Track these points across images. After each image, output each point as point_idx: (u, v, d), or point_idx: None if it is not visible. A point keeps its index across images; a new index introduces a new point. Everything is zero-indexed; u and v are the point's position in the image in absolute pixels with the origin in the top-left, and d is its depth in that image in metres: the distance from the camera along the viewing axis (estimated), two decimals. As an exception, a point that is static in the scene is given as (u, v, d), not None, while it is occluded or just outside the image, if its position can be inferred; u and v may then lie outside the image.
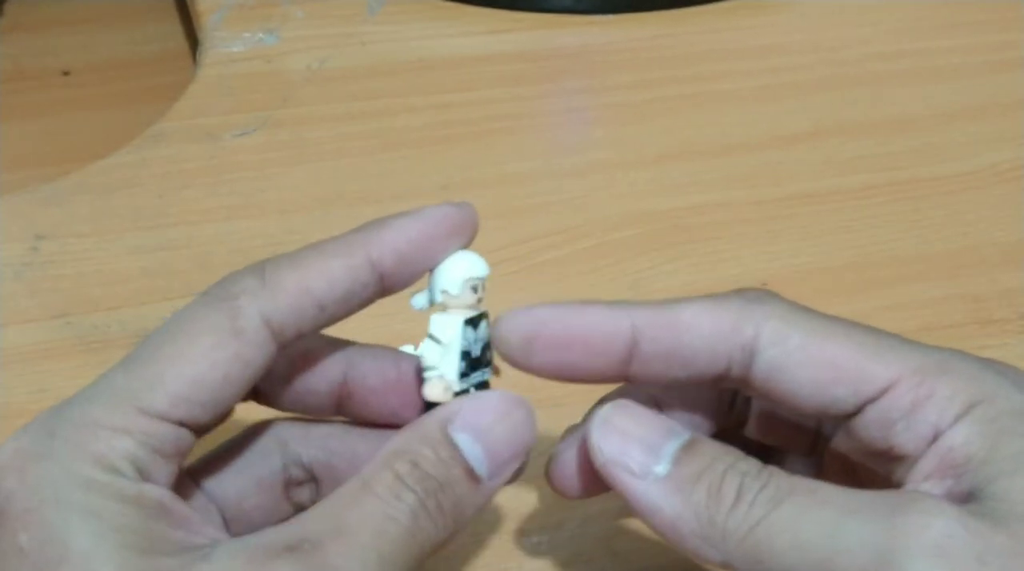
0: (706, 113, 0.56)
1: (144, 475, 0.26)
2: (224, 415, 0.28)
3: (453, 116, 0.55)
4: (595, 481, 0.29)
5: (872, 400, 0.27)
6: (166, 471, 0.27)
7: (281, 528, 0.26)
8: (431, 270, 0.30)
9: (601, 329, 0.28)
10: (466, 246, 0.30)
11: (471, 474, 0.28)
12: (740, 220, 0.50)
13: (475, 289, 0.30)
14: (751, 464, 0.27)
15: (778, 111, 0.57)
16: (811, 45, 0.61)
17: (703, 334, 0.28)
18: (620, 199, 0.51)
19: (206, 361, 0.27)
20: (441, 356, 0.30)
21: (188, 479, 0.30)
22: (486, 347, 0.30)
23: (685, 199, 0.51)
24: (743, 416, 0.33)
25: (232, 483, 0.31)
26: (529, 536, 0.37)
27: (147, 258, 0.47)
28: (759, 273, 0.47)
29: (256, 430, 0.32)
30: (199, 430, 0.28)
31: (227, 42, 0.59)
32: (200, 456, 0.32)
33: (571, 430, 0.32)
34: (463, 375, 0.30)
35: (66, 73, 0.64)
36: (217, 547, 0.26)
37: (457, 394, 0.30)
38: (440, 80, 0.58)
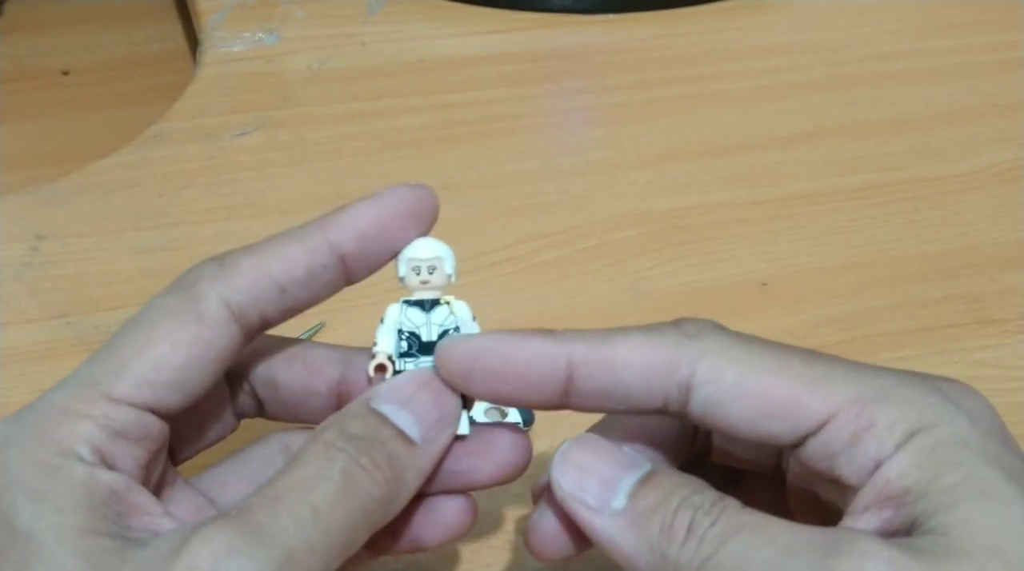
0: (706, 113, 0.56)
1: (105, 458, 0.27)
2: (192, 399, 0.28)
3: (453, 116, 0.55)
4: (581, 538, 0.29)
5: (812, 433, 0.27)
6: (131, 455, 0.27)
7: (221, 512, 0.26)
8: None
9: (536, 365, 0.28)
10: (427, 230, 0.31)
11: (403, 435, 0.28)
12: (740, 220, 0.50)
13: (417, 271, 0.30)
14: (705, 497, 0.27)
15: (778, 111, 0.57)
16: (811, 45, 0.61)
17: (637, 373, 0.28)
18: (620, 199, 0.51)
19: (167, 344, 0.27)
20: (383, 335, 0.30)
21: (184, 484, 0.31)
22: (446, 333, 0.31)
23: (685, 199, 0.51)
24: (708, 443, 0.33)
25: (232, 488, 0.31)
26: (529, 536, 0.37)
27: (147, 258, 0.47)
28: (759, 273, 0.47)
29: (262, 438, 0.33)
30: (167, 416, 0.28)
31: (227, 42, 0.59)
32: (207, 466, 0.32)
33: (542, 495, 0.32)
34: (406, 355, 0.30)
35: (66, 73, 0.64)
36: (157, 535, 0.26)
37: (399, 373, 0.30)
38: (440, 80, 0.58)
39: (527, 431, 0.39)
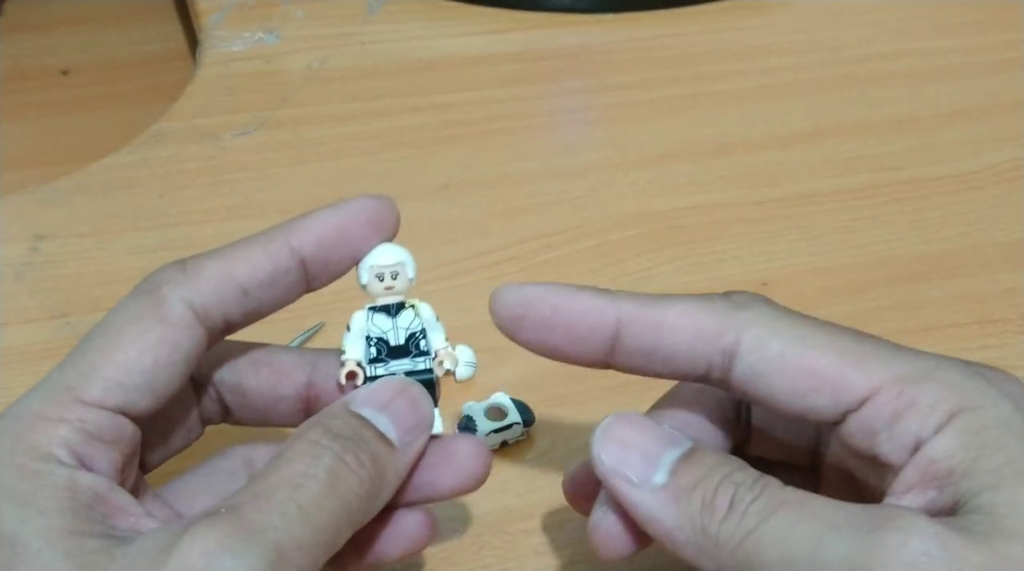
0: (706, 113, 0.56)
1: (84, 461, 0.27)
2: (161, 401, 0.29)
3: (453, 116, 0.55)
4: (642, 535, 0.29)
5: (853, 409, 0.27)
6: (107, 458, 0.28)
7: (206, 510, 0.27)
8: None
9: (586, 318, 0.29)
10: (389, 238, 0.31)
11: (383, 437, 0.29)
12: (740, 220, 0.50)
13: (380, 278, 0.31)
14: (747, 475, 0.27)
15: (778, 111, 0.57)
16: (811, 45, 0.61)
17: (684, 336, 0.28)
18: (620, 199, 0.51)
19: (134, 347, 0.28)
20: (350, 343, 0.31)
21: (154, 496, 0.31)
22: (413, 337, 0.31)
23: (685, 199, 0.51)
24: (748, 433, 0.33)
25: (198, 502, 0.32)
26: (529, 536, 0.37)
27: (147, 258, 0.47)
28: (759, 273, 0.47)
29: (223, 452, 0.33)
30: (138, 418, 0.28)
31: (227, 42, 0.59)
32: (170, 479, 0.32)
33: (574, 484, 0.32)
34: (375, 360, 0.31)
35: (66, 73, 0.64)
36: (142, 533, 0.26)
37: (369, 379, 0.31)
38: (440, 80, 0.58)
39: (526, 432, 0.39)
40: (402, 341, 0.31)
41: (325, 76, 0.57)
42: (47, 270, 0.46)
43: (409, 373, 0.31)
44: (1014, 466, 0.25)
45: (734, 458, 0.28)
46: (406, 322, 0.31)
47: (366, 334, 0.31)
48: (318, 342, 0.43)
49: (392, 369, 0.31)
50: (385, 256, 0.31)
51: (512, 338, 0.30)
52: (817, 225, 0.50)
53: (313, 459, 0.27)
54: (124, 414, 0.28)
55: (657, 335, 0.28)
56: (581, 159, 0.54)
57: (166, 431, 0.32)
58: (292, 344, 0.42)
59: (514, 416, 0.39)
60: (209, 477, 0.32)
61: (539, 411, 0.40)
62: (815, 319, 0.28)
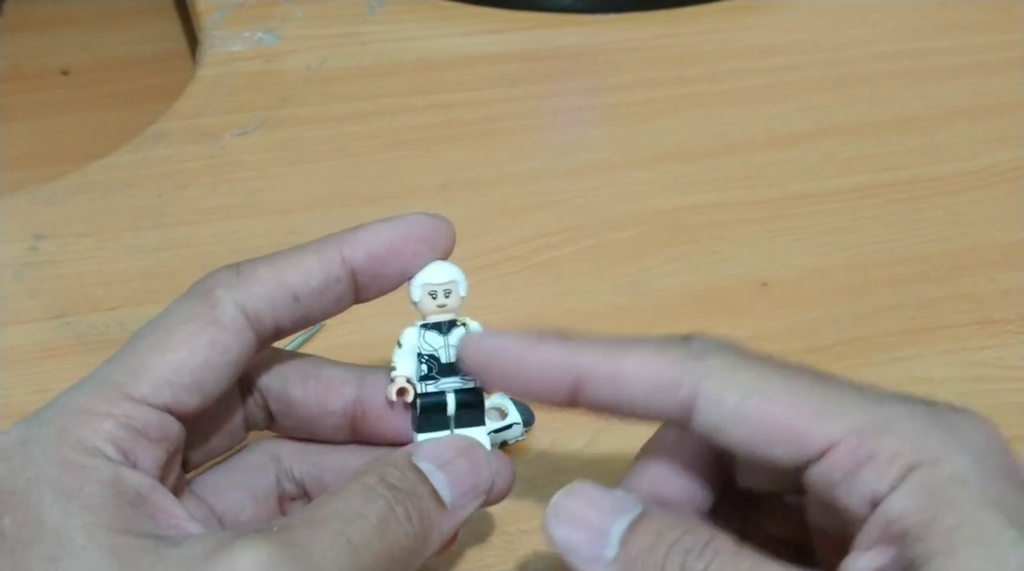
0: (706, 113, 0.56)
1: (129, 457, 0.27)
2: (208, 402, 0.29)
3: (453, 116, 0.55)
4: None
5: (813, 460, 0.26)
6: (152, 456, 0.28)
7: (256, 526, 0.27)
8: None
9: (546, 372, 0.29)
10: (443, 257, 0.31)
11: (436, 496, 0.29)
12: (740, 220, 0.50)
13: (433, 295, 0.31)
14: (697, 539, 0.27)
15: (778, 111, 0.57)
16: (811, 45, 0.61)
17: (643, 388, 0.28)
18: (620, 199, 0.51)
19: (185, 347, 0.28)
20: (401, 359, 0.31)
21: (195, 496, 0.31)
22: None
23: (685, 199, 0.51)
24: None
25: (229, 496, 0.32)
26: (529, 536, 0.37)
27: (147, 258, 0.47)
28: (759, 273, 0.47)
29: (251, 446, 0.33)
30: (185, 417, 0.29)
31: (227, 42, 0.59)
32: (197, 473, 0.32)
33: None
34: (426, 377, 0.31)
35: (66, 73, 0.64)
36: (190, 536, 0.26)
37: (420, 396, 0.31)
38: (440, 80, 0.58)
39: (526, 432, 0.39)
40: (453, 359, 0.31)
41: (325, 76, 0.57)
42: (47, 270, 0.46)
43: (458, 391, 0.31)
44: (967, 530, 0.24)
45: (685, 520, 0.28)
46: (457, 339, 0.31)
47: (417, 351, 0.31)
48: (318, 343, 0.43)
49: (442, 387, 0.31)
50: (438, 274, 0.31)
51: (482, 383, 0.31)
52: (817, 225, 0.50)
53: (366, 502, 0.28)
54: (171, 412, 0.28)
55: (615, 388, 0.28)
56: (581, 159, 0.54)
57: (210, 432, 0.32)
58: (292, 345, 0.42)
59: (514, 416, 0.39)
60: (239, 472, 0.33)
61: (539, 411, 0.40)
62: (775, 364, 0.28)
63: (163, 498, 0.27)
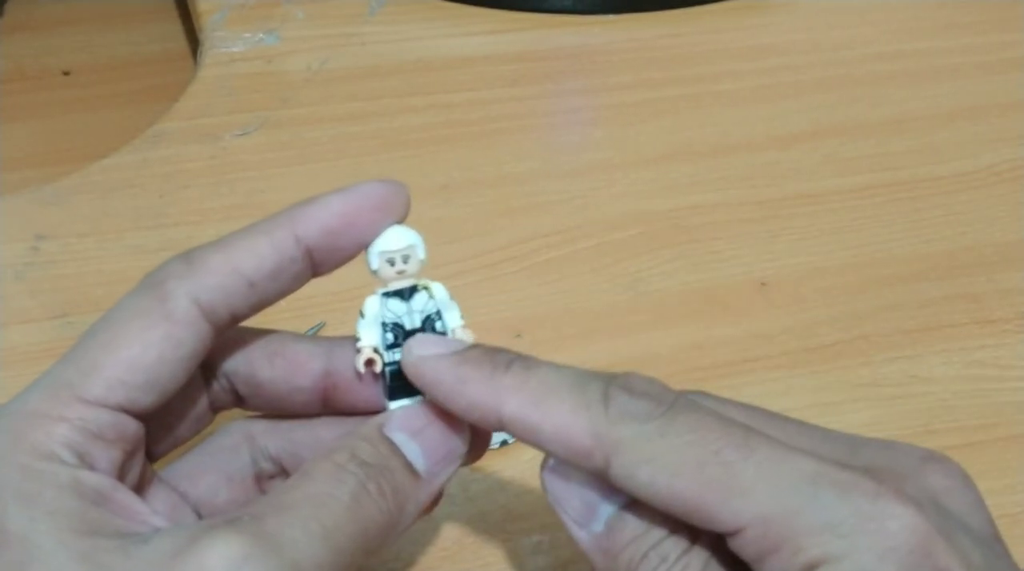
0: (706, 113, 0.56)
1: (85, 460, 0.27)
2: (165, 397, 0.28)
3: (453, 116, 0.55)
4: None
5: (730, 535, 0.26)
6: (109, 456, 0.27)
7: (225, 514, 0.27)
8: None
9: (474, 411, 0.28)
10: (399, 221, 0.30)
11: (410, 467, 0.29)
12: (740, 220, 0.50)
13: (391, 262, 0.30)
14: (675, 547, 0.27)
15: (778, 111, 0.57)
16: (811, 45, 0.61)
17: (559, 449, 0.28)
18: (620, 199, 0.51)
19: (138, 344, 0.27)
20: (365, 329, 0.30)
21: (159, 481, 0.31)
22: (429, 319, 0.31)
23: (685, 199, 0.51)
24: None
25: (202, 481, 0.31)
26: (529, 535, 0.37)
27: (147, 258, 0.47)
28: (759, 273, 0.47)
29: (223, 428, 0.33)
30: (142, 415, 0.28)
31: (227, 42, 0.59)
32: (170, 459, 0.32)
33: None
34: (393, 346, 0.30)
35: (66, 73, 0.64)
36: (159, 531, 0.26)
37: (388, 364, 0.30)
38: (440, 80, 0.58)
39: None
40: (418, 324, 0.31)
41: (325, 76, 0.58)
42: (48, 270, 0.46)
43: None
44: None
45: (671, 522, 0.28)
46: (421, 305, 0.31)
47: (381, 320, 0.30)
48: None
49: None
50: (395, 240, 0.30)
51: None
52: (817, 225, 0.50)
53: (338, 482, 0.27)
54: (126, 412, 0.28)
55: (536, 441, 0.28)
56: (581, 159, 0.54)
57: (174, 422, 0.31)
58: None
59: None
60: (211, 456, 0.32)
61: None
62: (691, 427, 0.27)
63: (125, 496, 0.27)
